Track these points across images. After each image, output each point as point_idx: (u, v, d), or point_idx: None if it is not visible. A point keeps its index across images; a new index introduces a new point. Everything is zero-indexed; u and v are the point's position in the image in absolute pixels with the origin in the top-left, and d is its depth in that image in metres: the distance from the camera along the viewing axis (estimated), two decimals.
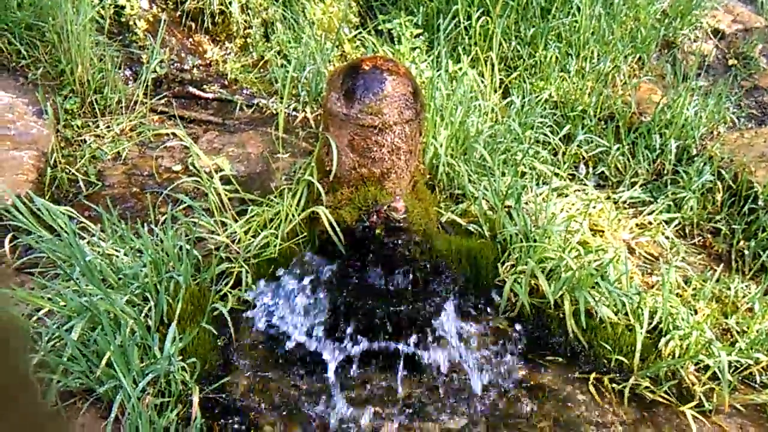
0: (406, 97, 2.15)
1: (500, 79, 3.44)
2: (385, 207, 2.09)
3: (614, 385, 2.21)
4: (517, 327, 2.39)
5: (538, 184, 2.84)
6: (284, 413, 2.06)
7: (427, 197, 2.48)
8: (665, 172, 3.18)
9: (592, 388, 2.20)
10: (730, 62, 4.03)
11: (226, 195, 2.49)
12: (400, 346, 2.17)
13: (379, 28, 3.73)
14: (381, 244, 2.13)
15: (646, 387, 2.19)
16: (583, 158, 3.27)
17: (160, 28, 3.30)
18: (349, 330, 2.16)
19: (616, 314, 2.32)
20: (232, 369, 2.16)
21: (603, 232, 2.72)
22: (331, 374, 2.19)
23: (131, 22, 3.44)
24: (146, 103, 3.17)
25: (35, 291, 2.08)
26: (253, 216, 2.48)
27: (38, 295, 2.02)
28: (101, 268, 2.10)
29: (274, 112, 3.35)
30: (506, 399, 2.17)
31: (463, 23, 3.56)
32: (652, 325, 2.28)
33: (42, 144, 2.73)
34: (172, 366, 1.89)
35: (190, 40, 3.67)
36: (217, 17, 3.68)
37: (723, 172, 3.05)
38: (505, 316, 2.42)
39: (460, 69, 3.28)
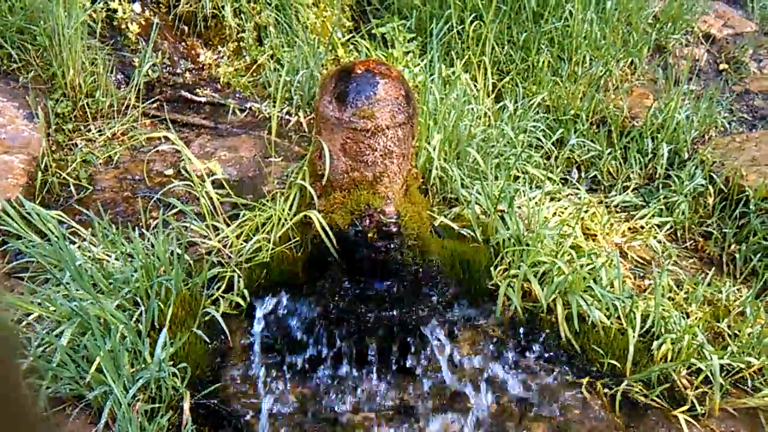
0: (399, 100, 2.15)
1: (493, 83, 3.44)
2: (377, 210, 2.09)
3: (606, 389, 2.21)
4: (510, 331, 2.39)
5: (530, 189, 2.85)
6: (277, 417, 2.05)
7: (420, 201, 2.47)
8: (657, 176, 3.19)
9: (584, 392, 2.20)
10: (721, 67, 4.05)
11: (218, 199, 2.48)
12: (393, 350, 2.17)
13: (373, 32, 3.73)
14: (373, 249, 2.12)
15: (638, 391, 2.19)
16: (576, 162, 3.28)
17: (153, 32, 3.29)
18: (341, 335, 2.16)
19: (608, 318, 2.32)
20: (224, 374, 2.15)
21: (595, 236, 2.73)
22: (323, 379, 2.18)
23: (123, 26, 3.43)
24: (138, 107, 3.16)
25: (25, 296, 2.07)
26: (245, 220, 2.47)
27: (28, 300, 2.00)
28: (92, 273, 2.09)
29: (267, 116, 3.35)
30: (498, 403, 2.17)
31: (456, 27, 3.57)
32: (645, 329, 2.28)
33: (33, 148, 2.71)
34: (162, 372, 1.88)
35: (183, 44, 3.67)
36: (209, 21, 3.67)
37: (714, 176, 3.06)
38: (497, 320, 2.42)
39: (453, 73, 3.29)
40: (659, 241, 2.82)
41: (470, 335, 2.38)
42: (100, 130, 3.02)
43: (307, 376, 2.20)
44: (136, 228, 2.34)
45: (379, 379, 2.21)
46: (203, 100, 3.43)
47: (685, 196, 3.00)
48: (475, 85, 3.31)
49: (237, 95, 3.52)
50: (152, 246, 2.22)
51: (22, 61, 3.03)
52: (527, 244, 2.43)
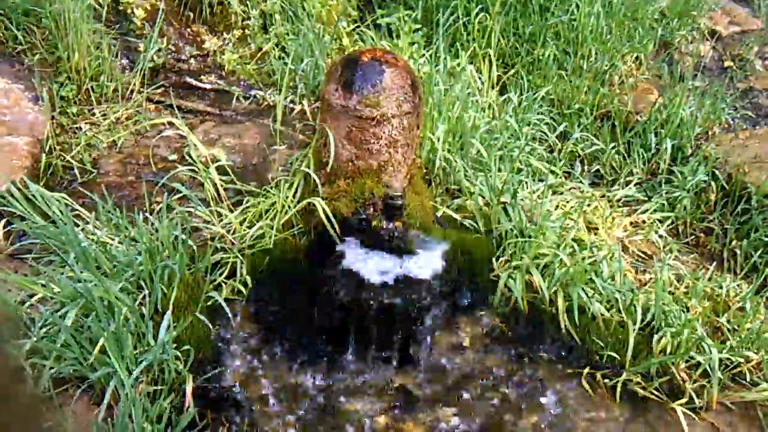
0: (405, 89, 2.15)
1: (498, 75, 3.44)
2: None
3: (606, 380, 2.22)
4: (511, 322, 2.40)
5: (534, 181, 2.85)
6: (278, 403, 2.07)
7: (424, 191, 2.48)
8: (660, 171, 3.20)
9: (584, 384, 2.21)
10: (726, 64, 4.05)
11: (222, 185, 2.48)
12: (394, 339, 2.18)
13: (378, 22, 3.72)
14: (377, 236, 2.13)
15: (638, 383, 2.20)
16: (579, 156, 3.29)
17: (158, 17, 3.29)
18: (342, 322, 2.17)
19: (609, 311, 2.33)
20: (226, 358, 2.16)
21: (597, 229, 2.73)
22: (323, 366, 2.20)
23: (129, 11, 3.42)
24: (143, 92, 3.15)
25: (29, 277, 2.07)
26: (248, 207, 2.47)
27: (32, 281, 2.01)
28: (96, 256, 2.09)
29: (271, 103, 3.35)
30: (498, 393, 2.18)
31: (462, 19, 3.56)
32: (645, 322, 2.30)
33: (37, 130, 2.72)
34: (165, 354, 1.89)
35: (188, 30, 3.66)
36: (215, 8, 3.66)
37: (717, 173, 3.07)
38: (498, 311, 2.43)
39: (458, 65, 3.29)
40: (661, 236, 2.83)
41: (471, 325, 2.39)
42: (104, 114, 3.02)
43: (308, 362, 2.21)
44: (140, 212, 2.34)
45: (380, 367, 2.22)
46: (208, 86, 3.43)
47: (688, 192, 3.00)
48: (480, 77, 3.31)
49: (242, 83, 3.52)
50: (156, 230, 2.23)
51: (27, 43, 3.03)
52: (529, 236, 2.44)
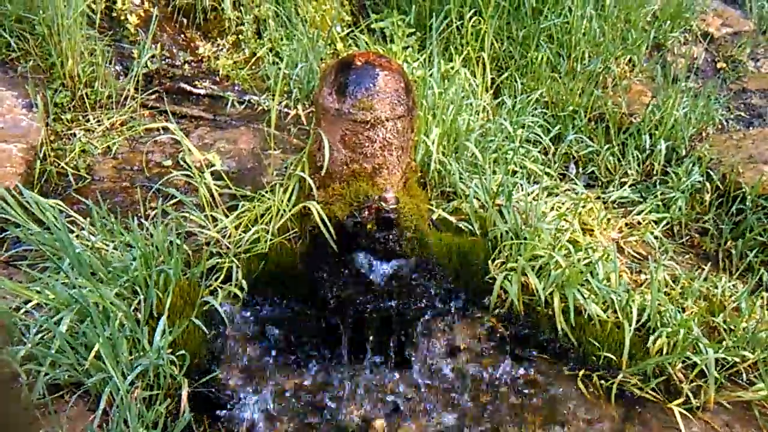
0: (398, 93, 2.15)
1: (492, 78, 3.45)
2: (376, 198, 2.09)
3: (602, 381, 2.22)
4: (507, 324, 2.40)
5: (528, 183, 2.86)
6: (273, 408, 2.06)
7: (419, 194, 2.48)
8: (654, 172, 3.21)
9: (580, 385, 2.21)
10: (719, 65, 4.07)
11: (216, 190, 2.48)
12: (390, 342, 2.18)
13: (372, 27, 3.74)
14: (372, 240, 2.13)
15: (634, 384, 2.20)
16: (574, 158, 3.30)
17: (152, 24, 3.29)
18: (338, 326, 2.17)
19: (604, 312, 2.33)
20: (222, 363, 2.15)
21: (592, 231, 2.74)
22: (319, 369, 2.19)
23: (123, 17, 3.42)
24: (137, 98, 3.15)
25: (24, 283, 2.07)
26: (243, 211, 2.47)
27: (27, 287, 2.00)
28: (90, 262, 2.08)
29: (266, 108, 3.35)
30: (495, 396, 2.18)
31: (455, 23, 3.58)
32: (641, 323, 2.30)
33: (32, 137, 2.71)
34: (161, 359, 1.88)
35: (182, 36, 3.66)
36: (209, 13, 3.67)
37: (711, 173, 3.08)
38: (494, 313, 2.43)
39: (452, 68, 3.30)
40: (656, 237, 2.83)
41: (467, 327, 2.39)
42: (98, 121, 3.02)
43: (304, 367, 2.21)
44: (135, 218, 2.33)
45: (376, 370, 2.22)
46: (202, 92, 3.43)
47: (682, 193, 3.01)
48: (473, 81, 3.32)
49: (236, 88, 3.52)
50: (151, 236, 2.22)
51: (21, 50, 3.03)
52: (525, 238, 2.44)
